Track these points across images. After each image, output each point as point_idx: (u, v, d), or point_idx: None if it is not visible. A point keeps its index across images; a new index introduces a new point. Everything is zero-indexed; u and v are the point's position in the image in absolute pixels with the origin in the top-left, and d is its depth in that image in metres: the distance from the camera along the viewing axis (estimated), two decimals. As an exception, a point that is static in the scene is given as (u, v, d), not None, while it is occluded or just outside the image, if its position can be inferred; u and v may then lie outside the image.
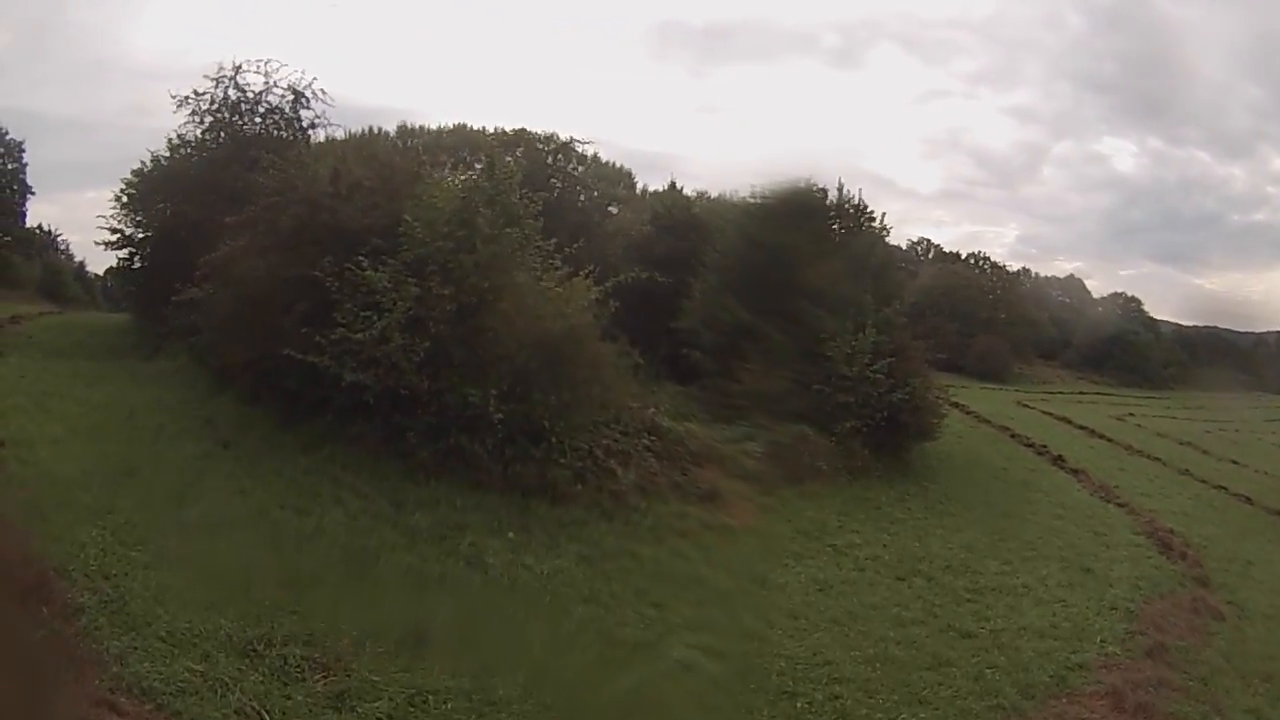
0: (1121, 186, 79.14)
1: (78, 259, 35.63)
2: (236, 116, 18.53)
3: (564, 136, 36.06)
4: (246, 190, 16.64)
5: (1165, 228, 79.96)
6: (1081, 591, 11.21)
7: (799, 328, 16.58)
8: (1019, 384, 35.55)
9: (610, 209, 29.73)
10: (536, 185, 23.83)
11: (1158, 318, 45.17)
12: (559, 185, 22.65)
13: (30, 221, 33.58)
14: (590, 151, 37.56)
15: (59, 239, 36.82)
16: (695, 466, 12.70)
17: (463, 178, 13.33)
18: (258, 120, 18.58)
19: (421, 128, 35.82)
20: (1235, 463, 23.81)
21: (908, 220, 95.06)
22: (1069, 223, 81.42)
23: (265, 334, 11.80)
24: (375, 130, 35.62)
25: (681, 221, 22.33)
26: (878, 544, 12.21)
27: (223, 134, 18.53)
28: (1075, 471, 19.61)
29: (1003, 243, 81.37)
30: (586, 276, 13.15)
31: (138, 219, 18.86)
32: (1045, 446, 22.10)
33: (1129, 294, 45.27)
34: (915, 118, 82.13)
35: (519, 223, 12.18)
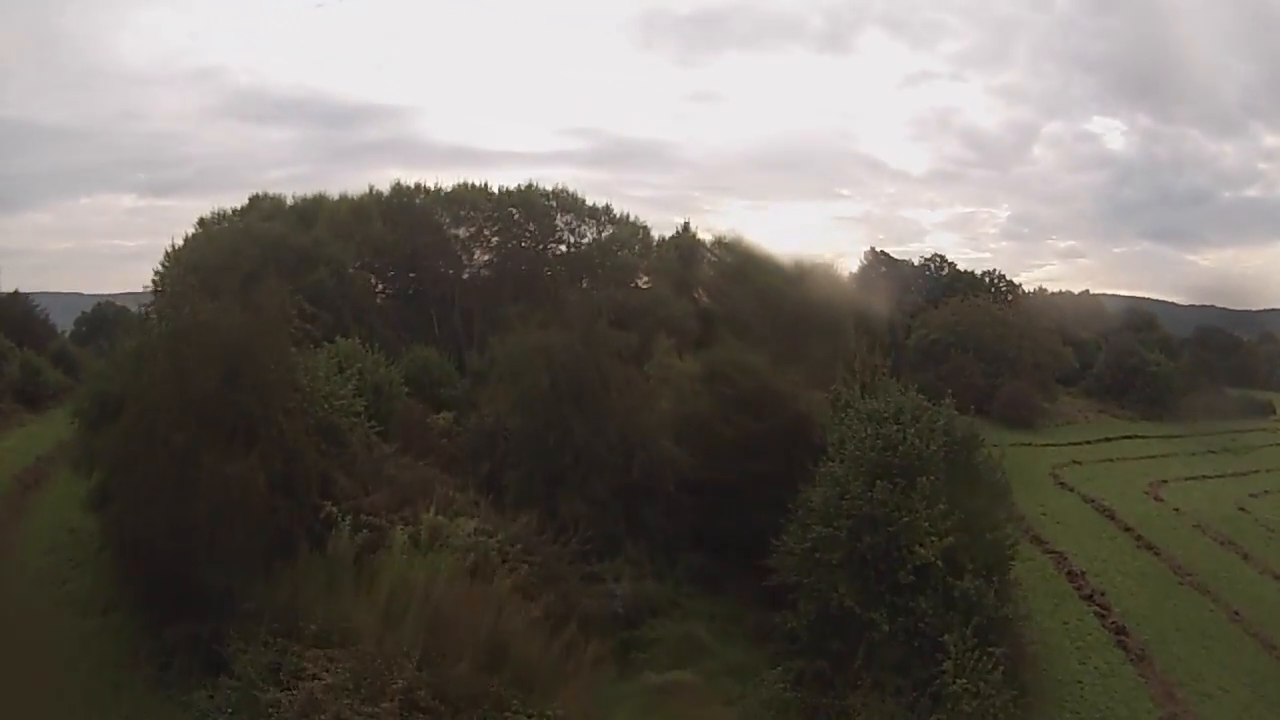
0: (1113, 164, 76.84)
1: (60, 330, 32.01)
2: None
3: (571, 188, 32.72)
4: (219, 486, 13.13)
5: (1159, 205, 78.90)
6: None
7: (908, 618, 15.13)
8: (1046, 431, 35.01)
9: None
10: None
11: (1157, 298, 44.65)
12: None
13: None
14: (601, 204, 34.36)
15: (35, 309, 32.82)
16: None
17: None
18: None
19: (418, 185, 32.01)
20: (1278, 578, 24.49)
21: (900, 203, 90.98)
22: (1062, 202, 79.64)
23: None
24: (370, 192, 31.87)
25: (746, 392, 19.99)
26: None
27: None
28: (1139, 659, 19.78)
29: (996, 223, 78.67)
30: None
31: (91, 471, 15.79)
32: (1104, 596, 22.39)
33: (1140, 297, 44.39)
34: (904, 100, 77.30)
35: None
